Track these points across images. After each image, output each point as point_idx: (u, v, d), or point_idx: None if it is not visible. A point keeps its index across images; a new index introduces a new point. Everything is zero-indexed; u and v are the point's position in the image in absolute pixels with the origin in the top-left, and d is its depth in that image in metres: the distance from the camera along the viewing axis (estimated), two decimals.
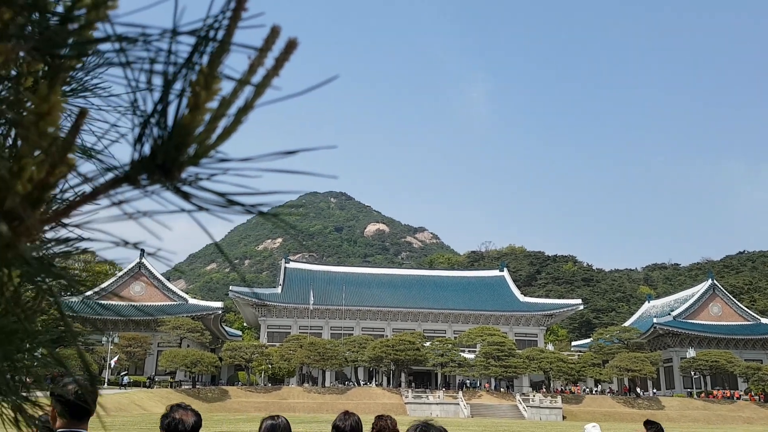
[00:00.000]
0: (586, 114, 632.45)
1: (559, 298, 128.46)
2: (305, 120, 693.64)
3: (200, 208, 0.56)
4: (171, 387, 72.75)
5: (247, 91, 0.55)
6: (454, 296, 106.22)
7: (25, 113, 0.47)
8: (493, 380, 79.27)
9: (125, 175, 0.50)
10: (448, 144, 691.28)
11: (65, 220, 0.61)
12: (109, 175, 0.53)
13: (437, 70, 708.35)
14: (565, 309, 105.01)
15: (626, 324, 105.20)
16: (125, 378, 72.77)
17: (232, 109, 0.54)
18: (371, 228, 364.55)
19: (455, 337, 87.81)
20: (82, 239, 0.68)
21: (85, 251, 0.67)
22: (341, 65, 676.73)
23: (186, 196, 0.55)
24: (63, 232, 0.65)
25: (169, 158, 0.49)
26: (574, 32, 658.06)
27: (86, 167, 0.57)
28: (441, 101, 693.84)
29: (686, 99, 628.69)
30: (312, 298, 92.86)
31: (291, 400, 69.54)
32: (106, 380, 69.47)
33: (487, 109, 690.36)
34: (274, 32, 0.55)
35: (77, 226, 0.65)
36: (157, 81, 0.52)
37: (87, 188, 0.56)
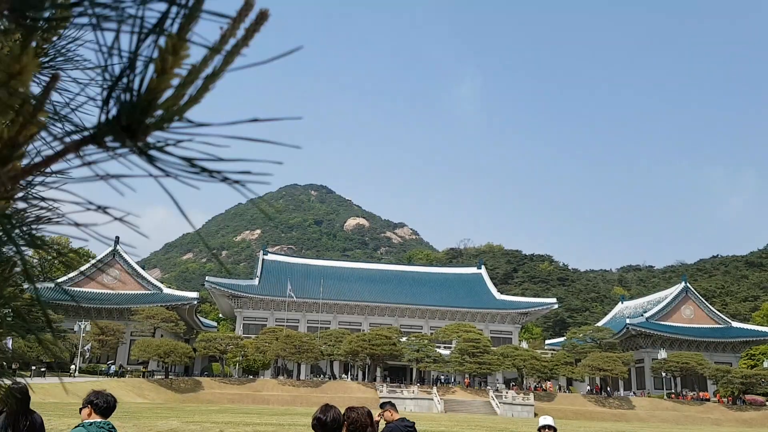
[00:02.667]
0: (568, 115, 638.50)
1: (534, 296, 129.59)
2: (286, 112, 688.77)
3: (166, 174, 0.57)
4: (143, 377, 71.86)
5: (216, 59, 0.56)
6: (432, 292, 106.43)
7: None
8: (467, 376, 79.65)
9: (92, 136, 0.52)
10: (431, 141, 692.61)
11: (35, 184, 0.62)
12: (77, 137, 0.55)
13: (424, 67, 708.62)
14: (540, 308, 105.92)
15: (600, 324, 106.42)
16: (112, 367, 71.63)
17: (201, 77, 0.55)
18: (351, 222, 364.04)
19: (431, 333, 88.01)
20: (51, 206, 0.68)
21: (54, 213, 0.68)
22: (326, 59, 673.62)
23: (151, 160, 0.56)
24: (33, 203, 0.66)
25: (134, 120, 0.50)
26: (561, 33, 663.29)
27: (58, 130, 0.59)
28: (426, 98, 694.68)
29: (668, 102, 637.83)
30: (290, 291, 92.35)
31: (265, 392, 69.16)
32: (77, 368, 68.37)
33: (473, 107, 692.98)
34: (248, 3, 0.55)
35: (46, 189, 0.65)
36: (126, 46, 0.52)
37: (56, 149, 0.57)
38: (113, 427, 5.18)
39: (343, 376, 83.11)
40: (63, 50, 0.68)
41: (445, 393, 73.14)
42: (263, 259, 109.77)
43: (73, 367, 68.33)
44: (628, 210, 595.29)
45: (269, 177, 0.58)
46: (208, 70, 0.55)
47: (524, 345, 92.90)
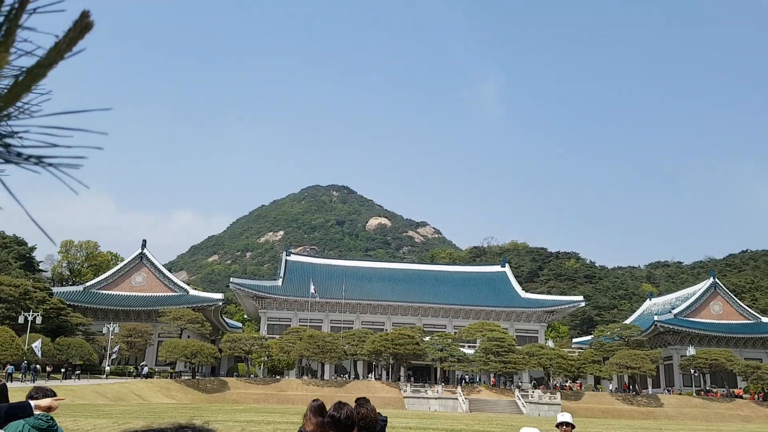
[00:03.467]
0: (593, 111, 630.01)
1: (561, 294, 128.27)
2: (309, 114, 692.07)
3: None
4: (171, 377, 72.94)
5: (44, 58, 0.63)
6: (455, 291, 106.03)
7: None
8: (492, 375, 79.24)
9: None
10: (453, 139, 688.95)
11: None
12: None
13: (445, 65, 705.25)
14: (567, 306, 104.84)
15: (627, 321, 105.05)
16: (145, 368, 72.93)
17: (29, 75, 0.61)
18: (373, 222, 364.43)
19: (455, 332, 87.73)
20: None
21: None
22: (346, 59, 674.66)
23: None
24: None
25: None
26: (585, 29, 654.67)
27: None
28: (448, 96, 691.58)
29: (696, 96, 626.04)
30: (313, 291, 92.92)
31: (290, 392, 69.68)
32: (107, 370, 69.70)
33: (496, 104, 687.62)
34: (85, 20, 0.61)
35: None
36: None
37: None
38: (51, 419, 5.30)
39: (368, 375, 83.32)
40: None
41: (470, 392, 72.82)
42: (286, 260, 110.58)
43: (108, 368, 69.60)
44: (655, 206, 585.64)
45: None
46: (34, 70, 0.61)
47: (550, 344, 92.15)
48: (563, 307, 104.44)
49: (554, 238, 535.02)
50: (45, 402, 4.08)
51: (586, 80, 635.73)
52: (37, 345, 55.63)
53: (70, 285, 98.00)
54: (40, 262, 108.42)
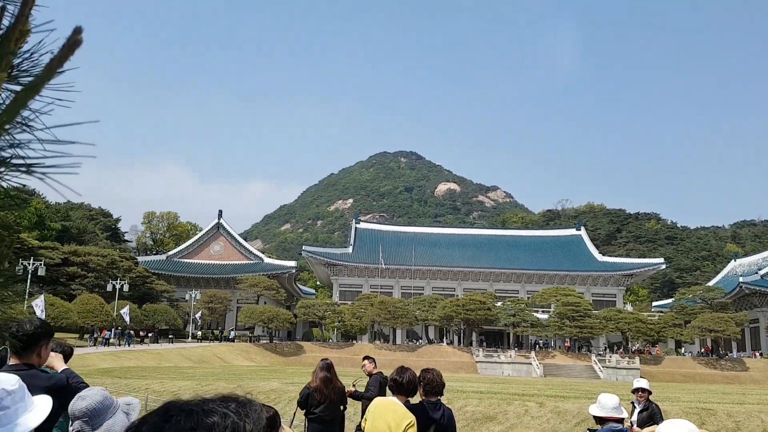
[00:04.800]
0: (676, 64, 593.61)
1: (640, 257, 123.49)
2: (375, 81, 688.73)
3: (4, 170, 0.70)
4: (250, 341, 75.72)
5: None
6: (528, 256, 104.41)
7: None
8: (567, 340, 77.80)
9: None
10: (524, 99, 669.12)
11: None
12: None
13: (516, 18, 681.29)
14: (646, 268, 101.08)
15: (711, 283, 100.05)
16: (232, 332, 76.36)
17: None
18: (442, 187, 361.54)
19: (528, 298, 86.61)
20: None
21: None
22: (410, 17, 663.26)
23: None
24: None
25: None
26: None
27: None
28: (519, 54, 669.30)
29: None
30: (382, 258, 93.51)
31: (362, 355, 70.86)
32: (190, 334, 73.19)
33: (569, 60, 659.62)
34: (75, 37, 0.64)
35: None
36: None
37: None
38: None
39: (439, 341, 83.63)
40: None
41: (545, 357, 71.83)
42: (356, 228, 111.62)
43: (199, 333, 73.50)
44: (741, 162, 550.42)
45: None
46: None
47: (629, 308, 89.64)
48: (642, 270, 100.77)
49: (633, 198, 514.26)
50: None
51: (665, 30, 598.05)
52: (125, 311, 58.79)
53: (154, 254, 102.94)
54: (125, 233, 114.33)
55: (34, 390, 3.19)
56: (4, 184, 0.74)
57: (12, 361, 3.47)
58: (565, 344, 77.75)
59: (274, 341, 76.77)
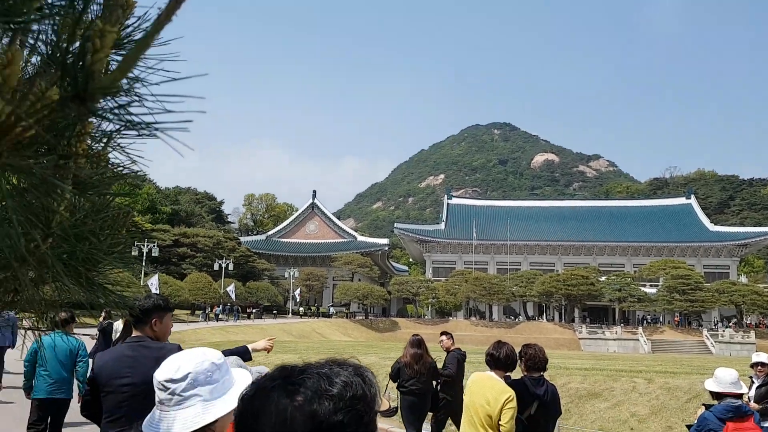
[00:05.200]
0: None
1: (755, 225, 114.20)
2: (465, 53, 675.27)
3: (123, 128, 0.73)
4: (346, 317, 77.42)
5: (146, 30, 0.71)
6: (633, 227, 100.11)
7: None
8: (676, 315, 73.65)
9: (60, 106, 0.64)
10: (626, 61, 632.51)
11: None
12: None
13: None
14: (762, 237, 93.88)
15: None
16: (331, 309, 78.88)
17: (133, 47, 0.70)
18: (539, 159, 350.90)
19: (635, 271, 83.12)
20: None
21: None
22: None
23: (104, 119, 0.72)
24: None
25: (80, 91, 0.64)
26: None
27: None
28: (619, 13, 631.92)
29: None
30: (475, 234, 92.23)
31: (458, 332, 69.91)
32: (290, 310, 75.88)
33: (672, 19, 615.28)
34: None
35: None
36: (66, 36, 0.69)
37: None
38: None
39: (538, 317, 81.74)
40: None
41: (652, 333, 68.75)
42: (448, 204, 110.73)
43: (301, 309, 76.41)
44: None
45: (188, 125, 0.70)
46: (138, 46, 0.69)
47: (743, 279, 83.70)
48: (759, 239, 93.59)
49: (747, 163, 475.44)
50: (260, 344, 4.45)
51: None
52: (230, 289, 61.78)
53: (255, 234, 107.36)
54: (228, 214, 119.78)
55: (146, 360, 3.58)
56: (121, 157, 0.78)
57: (133, 334, 3.84)
58: (675, 319, 73.88)
59: (370, 317, 78.02)
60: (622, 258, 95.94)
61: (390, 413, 8.62)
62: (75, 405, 7.86)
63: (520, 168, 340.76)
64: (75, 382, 7.90)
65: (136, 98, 0.70)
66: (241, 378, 1.93)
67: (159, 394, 1.83)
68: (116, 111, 0.70)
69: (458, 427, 8.77)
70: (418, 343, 8.71)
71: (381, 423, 11.85)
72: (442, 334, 9.79)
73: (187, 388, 1.80)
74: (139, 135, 0.72)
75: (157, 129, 0.71)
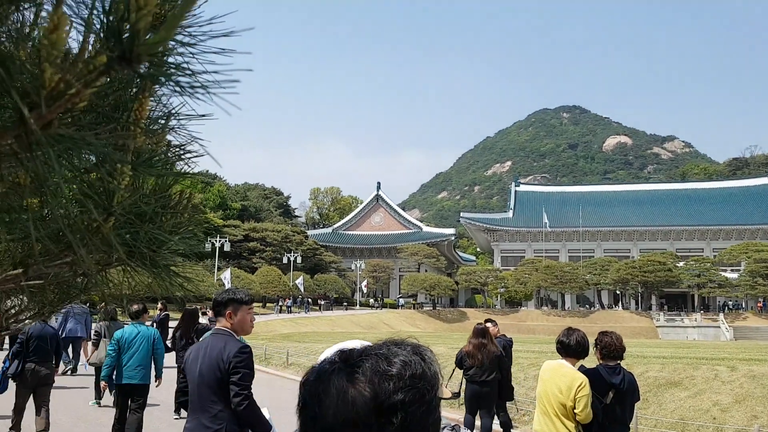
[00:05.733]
0: None
1: None
2: (530, 35, 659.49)
3: (156, 83, 0.74)
4: (414, 308, 77.54)
5: None
6: (712, 210, 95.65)
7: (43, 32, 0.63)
8: (760, 300, 69.74)
9: (107, 67, 0.65)
10: (699, 36, 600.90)
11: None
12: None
13: None
14: None
15: None
16: (401, 300, 79.49)
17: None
18: (611, 141, 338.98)
19: (714, 256, 79.38)
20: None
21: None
22: None
23: (154, 80, 0.72)
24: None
25: (125, 52, 0.64)
26: None
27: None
28: None
29: None
30: (546, 221, 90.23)
31: (529, 322, 69.23)
32: (358, 301, 76.76)
33: None
34: None
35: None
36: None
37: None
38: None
39: (614, 305, 79.32)
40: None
41: (735, 320, 65.58)
42: (515, 191, 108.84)
43: (372, 300, 77.16)
44: None
45: (234, 85, 0.70)
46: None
47: None
48: None
49: None
50: None
51: None
52: (299, 281, 63.13)
53: (321, 228, 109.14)
54: (295, 209, 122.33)
55: (212, 351, 3.83)
56: (175, 140, 0.79)
57: (216, 326, 4.08)
58: (758, 305, 70.03)
59: (437, 308, 77.82)
60: (700, 242, 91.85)
61: (453, 398, 8.69)
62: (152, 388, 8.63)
63: (591, 152, 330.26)
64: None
65: (182, 59, 0.69)
66: None
67: None
68: (164, 71, 0.70)
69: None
70: (481, 332, 8.73)
71: (450, 413, 11.76)
72: (487, 321, 9.78)
73: None
74: (187, 95, 0.72)
75: (204, 89, 0.70)
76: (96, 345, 11.02)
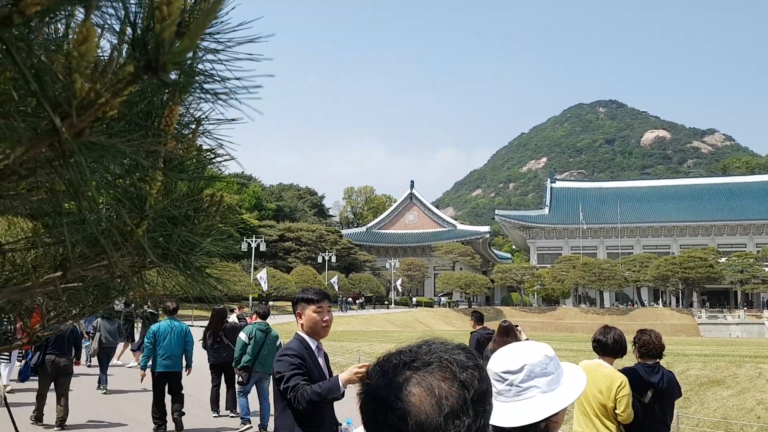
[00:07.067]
0: None
1: None
2: (565, 30, 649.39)
3: (181, 91, 0.77)
4: (449, 306, 77.26)
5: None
6: (755, 204, 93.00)
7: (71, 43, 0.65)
8: None
9: (134, 76, 0.66)
10: (739, 27, 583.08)
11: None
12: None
13: None
14: None
15: None
16: (442, 299, 79.49)
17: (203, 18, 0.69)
18: (649, 136, 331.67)
19: (757, 251, 76.93)
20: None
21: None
22: None
23: (174, 84, 0.74)
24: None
25: (151, 61, 0.66)
26: None
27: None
28: None
29: None
30: (583, 217, 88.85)
31: (567, 320, 68.28)
32: (393, 300, 76.84)
33: None
34: None
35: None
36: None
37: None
38: (269, 326, 9.16)
39: (654, 302, 77.68)
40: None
41: None
42: (551, 188, 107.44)
43: (414, 299, 76.68)
44: None
45: (261, 89, 0.72)
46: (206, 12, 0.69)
47: None
48: None
49: None
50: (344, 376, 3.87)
51: None
52: (334, 281, 63.49)
53: (355, 227, 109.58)
54: (329, 208, 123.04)
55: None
56: (205, 144, 0.81)
57: None
58: None
59: (473, 306, 77.33)
60: (743, 237, 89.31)
61: None
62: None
63: (628, 147, 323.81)
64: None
65: (210, 66, 0.71)
66: (571, 370, 1.91)
67: (496, 386, 1.81)
68: (191, 79, 0.71)
69: None
70: (506, 330, 8.54)
71: None
72: (474, 313, 10.17)
73: (525, 380, 1.80)
74: (215, 101, 0.73)
75: (232, 94, 0.71)
76: (92, 338, 12.86)
